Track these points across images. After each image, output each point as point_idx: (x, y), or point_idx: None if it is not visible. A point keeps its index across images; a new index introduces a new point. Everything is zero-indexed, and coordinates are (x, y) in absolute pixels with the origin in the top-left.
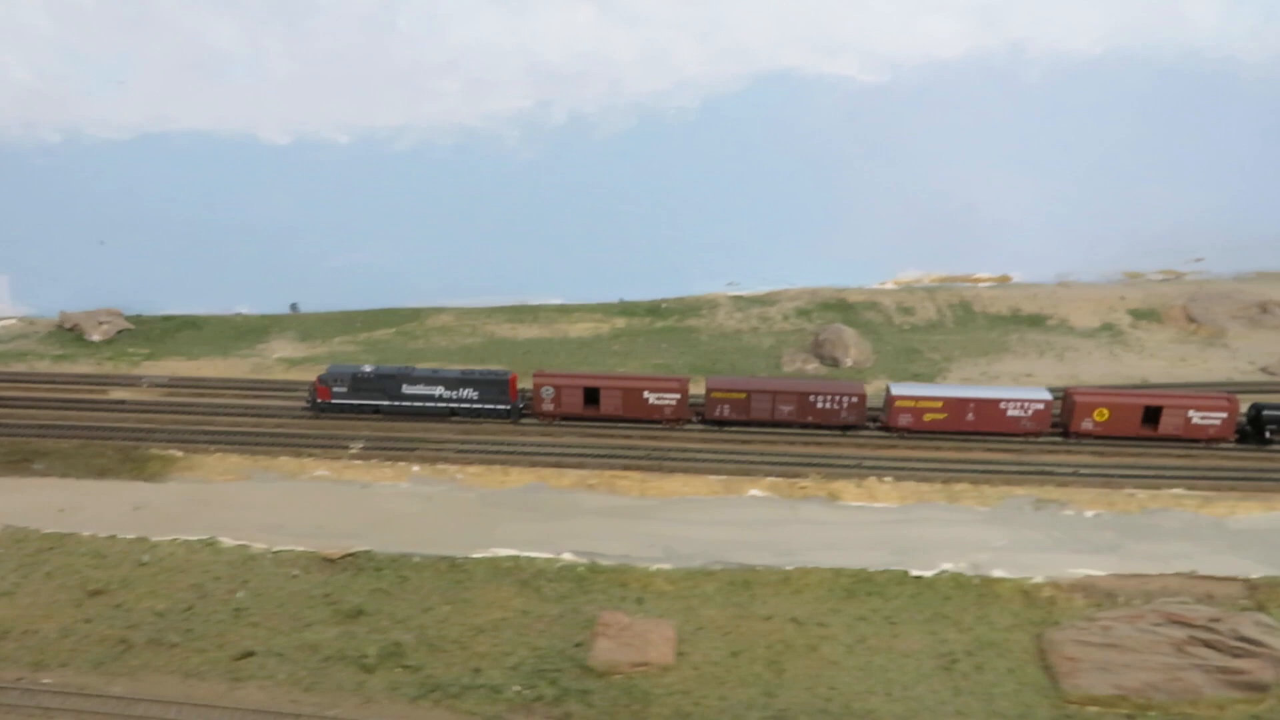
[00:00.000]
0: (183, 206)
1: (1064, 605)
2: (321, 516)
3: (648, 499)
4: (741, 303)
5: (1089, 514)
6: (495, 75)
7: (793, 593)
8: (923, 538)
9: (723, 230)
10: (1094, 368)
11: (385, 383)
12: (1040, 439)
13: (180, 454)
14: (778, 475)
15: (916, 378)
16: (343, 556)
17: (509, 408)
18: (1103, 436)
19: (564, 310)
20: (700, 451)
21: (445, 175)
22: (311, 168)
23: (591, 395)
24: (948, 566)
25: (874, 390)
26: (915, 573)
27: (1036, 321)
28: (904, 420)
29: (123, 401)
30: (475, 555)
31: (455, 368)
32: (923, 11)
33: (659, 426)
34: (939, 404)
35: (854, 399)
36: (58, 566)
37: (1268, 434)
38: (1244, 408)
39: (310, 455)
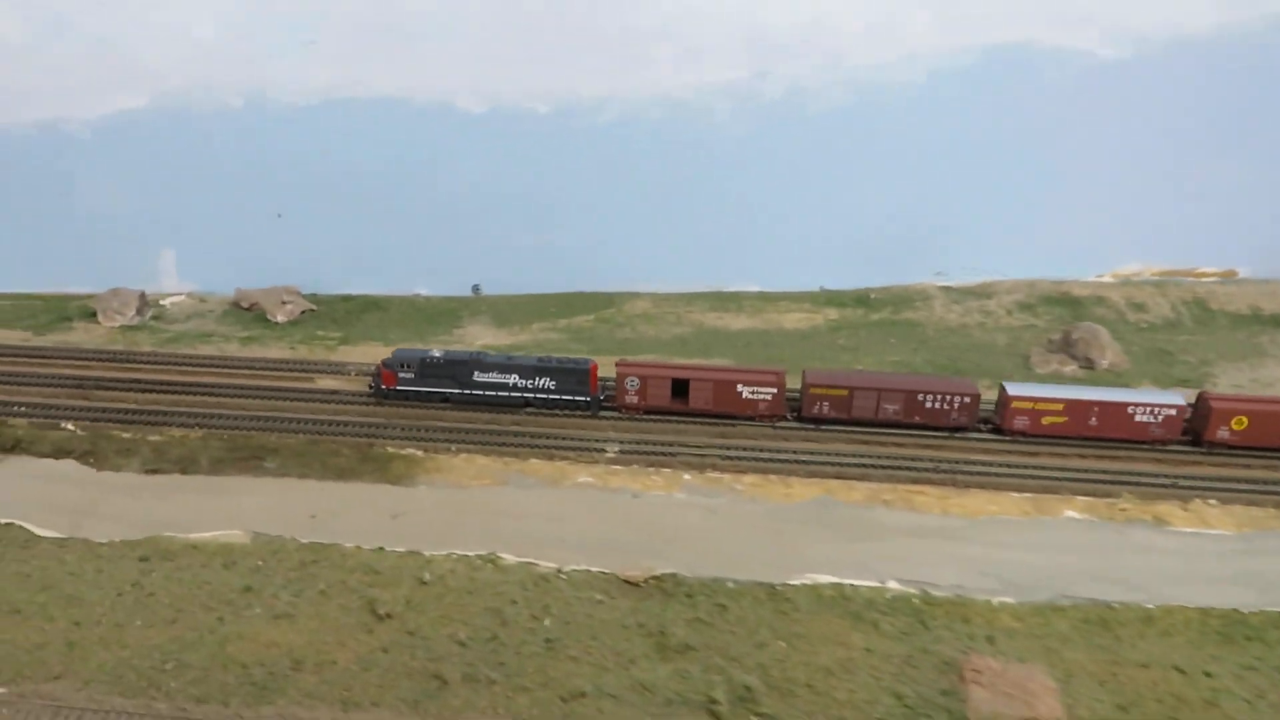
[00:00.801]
0: (365, 178)
1: None
2: (602, 530)
3: (953, 518)
4: (954, 294)
5: None
6: (711, 43)
7: (1159, 635)
8: None
9: (932, 215)
10: None
11: (456, 369)
12: (1169, 447)
13: (420, 453)
14: (1088, 494)
15: (1183, 384)
16: (646, 580)
17: (589, 399)
18: (1239, 446)
19: (767, 298)
20: (991, 464)
21: (647, 150)
22: (506, 139)
23: (680, 387)
24: None
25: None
26: None
27: None
28: (1020, 423)
29: (335, 392)
30: (793, 581)
31: (531, 355)
32: None
33: (938, 434)
34: (1059, 406)
35: (966, 399)
36: (331, 584)
37: None
38: None
39: (564, 458)
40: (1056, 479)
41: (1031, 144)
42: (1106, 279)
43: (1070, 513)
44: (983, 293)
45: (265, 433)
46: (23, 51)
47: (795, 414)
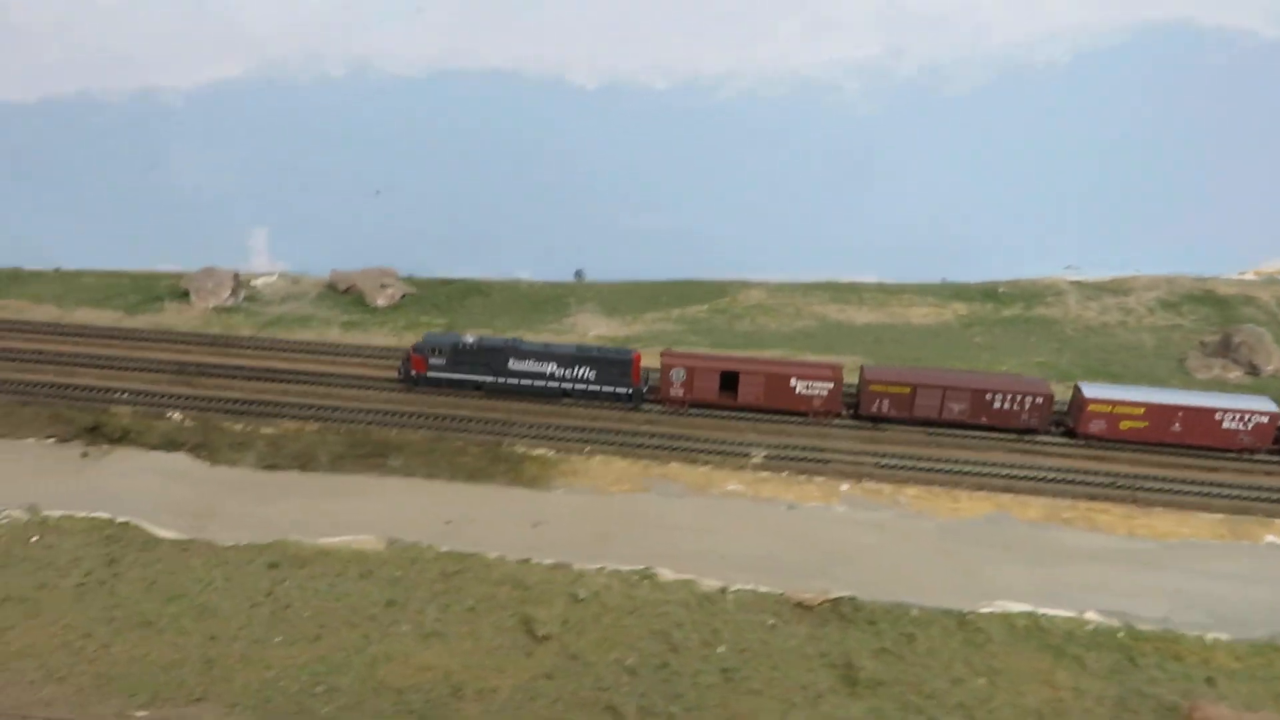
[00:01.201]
0: (469, 155)
1: None
2: (760, 544)
3: (1140, 540)
4: (1088, 290)
5: None
6: (843, 16)
7: None
8: None
9: (1064, 204)
10: None
11: (490, 356)
12: (1257, 457)
13: (552, 454)
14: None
15: None
16: (821, 603)
17: (630, 391)
18: None
19: (888, 291)
20: (1171, 480)
21: (767, 130)
22: (619, 117)
23: (729, 380)
24: None
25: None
26: None
27: None
28: (1096, 427)
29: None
30: (982, 609)
31: (570, 343)
32: None
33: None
34: (1140, 410)
35: (1038, 399)
36: (480, 599)
37: None
38: None
39: (707, 463)
40: (1247, 498)
41: (1178, 130)
42: (1249, 276)
43: (1271, 538)
44: (1118, 289)
45: (383, 427)
46: (116, 15)
47: (852, 411)
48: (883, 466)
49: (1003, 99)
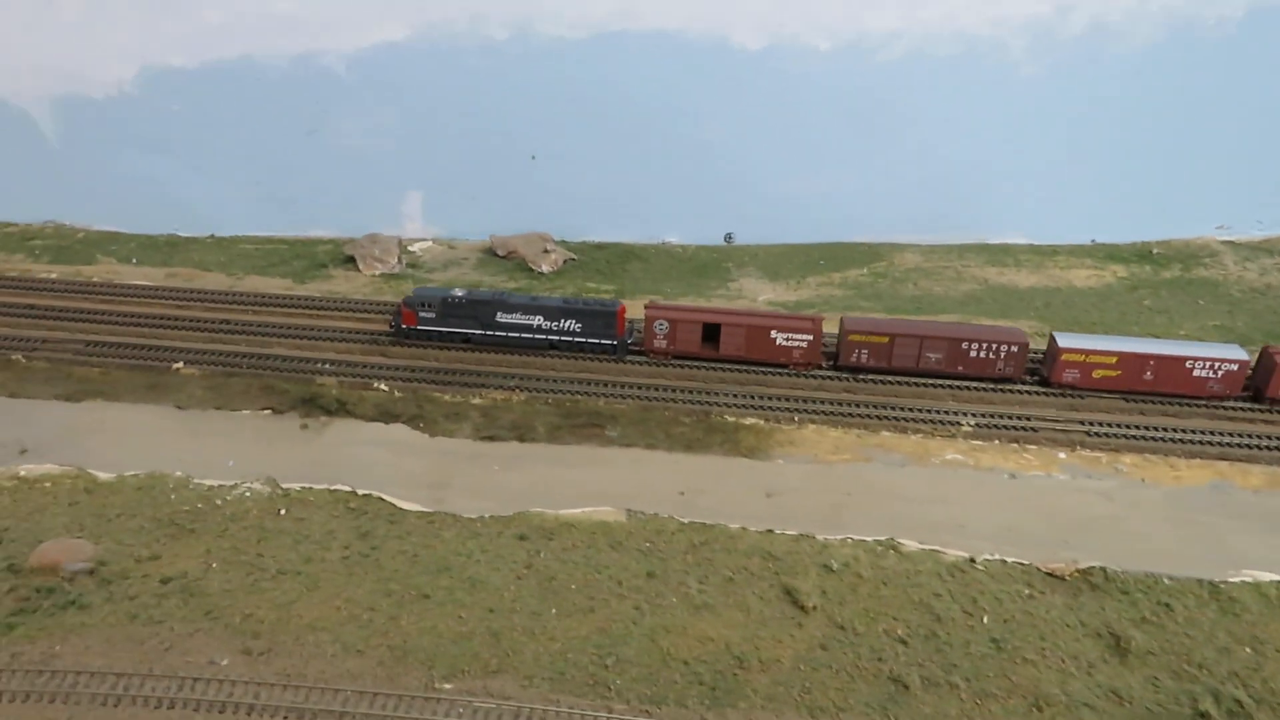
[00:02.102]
0: (626, 118)
1: None
2: (994, 514)
3: None
4: (1243, 250)
5: None
6: None
7: None
8: None
9: (1218, 164)
10: None
11: (478, 309)
12: (1228, 405)
13: (763, 423)
14: None
15: None
16: (1073, 573)
17: (614, 343)
18: None
19: (1039, 252)
20: None
21: (928, 92)
22: (779, 78)
23: (711, 332)
24: None
25: None
26: None
27: None
28: (1070, 376)
29: (644, 353)
30: (1231, 578)
31: (556, 296)
32: None
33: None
34: (1113, 359)
35: (1013, 348)
36: (735, 570)
37: None
38: None
39: (918, 432)
40: None
41: None
42: None
43: None
44: (1273, 249)
45: (590, 397)
46: None
47: (831, 362)
48: (1094, 435)
49: (1170, 57)
